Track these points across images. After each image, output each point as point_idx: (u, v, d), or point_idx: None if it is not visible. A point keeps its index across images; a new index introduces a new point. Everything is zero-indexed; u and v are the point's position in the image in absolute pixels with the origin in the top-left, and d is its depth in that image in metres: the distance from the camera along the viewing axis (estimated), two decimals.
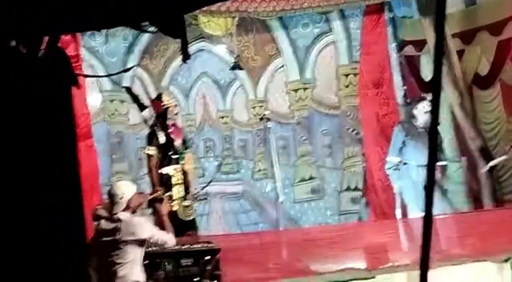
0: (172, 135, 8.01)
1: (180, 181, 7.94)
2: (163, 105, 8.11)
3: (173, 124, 8.15)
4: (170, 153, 7.96)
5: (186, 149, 8.14)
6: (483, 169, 9.26)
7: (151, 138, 8.06)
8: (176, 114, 8.17)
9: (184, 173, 8.00)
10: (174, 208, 7.83)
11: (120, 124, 10.77)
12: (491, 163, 9.43)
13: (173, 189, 7.86)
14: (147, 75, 10.86)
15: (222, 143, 11.44)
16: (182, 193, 7.93)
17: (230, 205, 11.21)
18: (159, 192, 7.52)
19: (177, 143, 8.02)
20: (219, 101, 11.47)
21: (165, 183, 7.91)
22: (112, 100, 10.67)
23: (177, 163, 7.97)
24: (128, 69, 9.70)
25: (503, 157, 9.31)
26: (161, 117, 8.12)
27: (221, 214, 11.15)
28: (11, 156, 1.50)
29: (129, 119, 10.82)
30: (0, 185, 1.48)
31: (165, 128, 8.03)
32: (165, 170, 7.94)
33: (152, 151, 7.97)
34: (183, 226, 7.49)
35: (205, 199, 8.73)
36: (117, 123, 10.73)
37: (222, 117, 11.51)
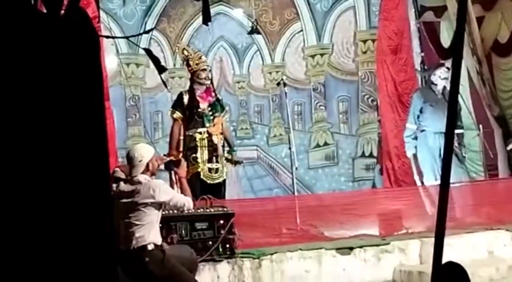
0: (198, 98, 7.99)
1: (205, 144, 7.95)
2: (190, 69, 8.10)
3: (207, 88, 8.12)
4: (195, 116, 7.96)
5: (215, 112, 8.10)
6: (508, 146, 9.16)
7: (177, 101, 8.07)
8: (205, 78, 8.09)
9: (210, 136, 8.00)
10: (199, 170, 7.86)
11: (136, 87, 10.79)
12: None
13: (197, 151, 7.89)
14: (164, 39, 10.84)
15: (238, 108, 11.44)
16: (207, 156, 7.94)
17: (245, 170, 11.25)
18: (175, 155, 7.53)
19: (203, 106, 7.99)
20: (235, 65, 11.45)
21: (189, 145, 7.92)
22: (128, 64, 10.68)
23: (203, 126, 7.96)
24: (147, 32, 9.67)
25: None
26: (191, 80, 8.13)
27: (236, 179, 11.19)
28: (34, 119, 1.50)
29: (145, 83, 10.85)
30: (25, 144, 1.49)
31: (191, 91, 8.02)
32: (190, 132, 7.96)
33: (176, 113, 7.98)
34: (208, 189, 7.51)
35: (241, 162, 8.71)
36: (133, 86, 10.75)
37: (239, 82, 11.49)
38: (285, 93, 8.96)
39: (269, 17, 11.39)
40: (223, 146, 8.14)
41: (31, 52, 1.50)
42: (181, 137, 8.02)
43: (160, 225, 5.92)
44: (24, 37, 1.54)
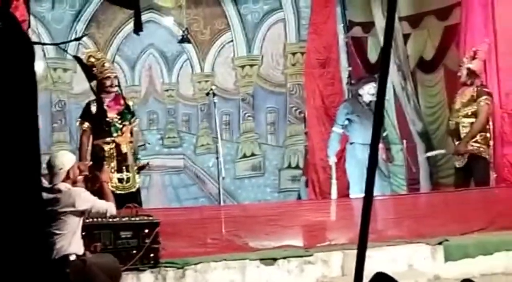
0: (106, 108, 7.84)
1: (114, 154, 7.82)
2: (97, 77, 7.88)
3: (116, 96, 7.97)
4: (103, 125, 7.82)
5: (124, 121, 7.95)
6: (422, 156, 9.35)
7: (85, 111, 7.91)
8: (111, 86, 7.90)
9: (119, 146, 7.86)
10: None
11: (62, 92, 10.64)
12: (429, 154, 9.51)
13: (105, 161, 7.73)
14: (93, 45, 10.71)
15: (166, 116, 11.39)
16: (115, 166, 7.82)
17: (171, 178, 11.20)
18: (84, 166, 7.35)
19: (111, 115, 7.85)
20: (165, 74, 11.40)
21: (97, 155, 7.77)
22: (55, 68, 10.52)
23: (110, 136, 7.83)
24: (79, 39, 9.52)
25: (442, 151, 9.38)
26: (98, 88, 7.93)
27: (161, 187, 11.12)
28: None
29: (72, 88, 10.70)
30: None
31: (99, 100, 7.85)
32: (98, 142, 7.82)
33: (85, 124, 7.82)
34: (123, 200, 7.38)
35: (147, 165, 8.49)
36: (59, 91, 10.59)
37: (167, 90, 11.44)
38: (214, 103, 8.96)
39: (200, 27, 11.40)
40: (133, 154, 8.04)
41: None
42: (89, 148, 7.88)
43: (84, 233, 5.85)
44: None
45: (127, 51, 11.05)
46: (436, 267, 7.56)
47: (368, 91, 9.18)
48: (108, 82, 7.85)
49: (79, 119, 8.01)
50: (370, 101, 9.13)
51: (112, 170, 7.78)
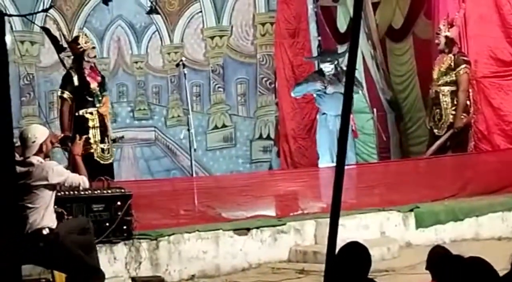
0: (88, 78, 7.89)
1: (97, 124, 7.87)
2: (80, 47, 7.96)
3: (91, 67, 8.03)
4: (86, 96, 7.86)
5: (104, 91, 8.04)
6: (428, 152, 8.99)
7: (66, 81, 7.92)
8: (94, 57, 8.04)
9: (101, 116, 7.93)
10: (92, 151, 7.77)
11: (30, 66, 10.52)
12: (430, 151, 8.98)
13: (90, 132, 7.79)
14: (60, 17, 10.59)
15: (136, 88, 11.33)
16: (99, 136, 7.87)
17: (142, 151, 11.17)
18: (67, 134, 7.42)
19: (93, 85, 7.91)
20: (133, 45, 11.31)
21: (81, 126, 7.81)
22: (22, 41, 10.40)
23: (93, 106, 7.88)
24: (46, 10, 9.43)
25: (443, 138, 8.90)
26: (78, 60, 7.95)
27: (133, 160, 11.10)
28: None
29: (40, 62, 10.59)
30: None
31: (80, 71, 7.90)
32: (80, 113, 7.84)
33: (66, 94, 7.84)
34: (100, 170, 7.41)
35: (122, 137, 8.62)
36: (27, 65, 10.47)
37: (137, 62, 11.37)
38: (184, 74, 8.93)
39: None
40: None
41: None
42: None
43: (56, 207, 5.83)
44: None
45: (95, 23, 10.93)
46: (407, 234, 7.67)
47: (324, 68, 9.31)
48: (93, 53, 7.97)
49: (60, 89, 8.01)
50: (330, 74, 9.24)
51: (96, 141, 7.83)
